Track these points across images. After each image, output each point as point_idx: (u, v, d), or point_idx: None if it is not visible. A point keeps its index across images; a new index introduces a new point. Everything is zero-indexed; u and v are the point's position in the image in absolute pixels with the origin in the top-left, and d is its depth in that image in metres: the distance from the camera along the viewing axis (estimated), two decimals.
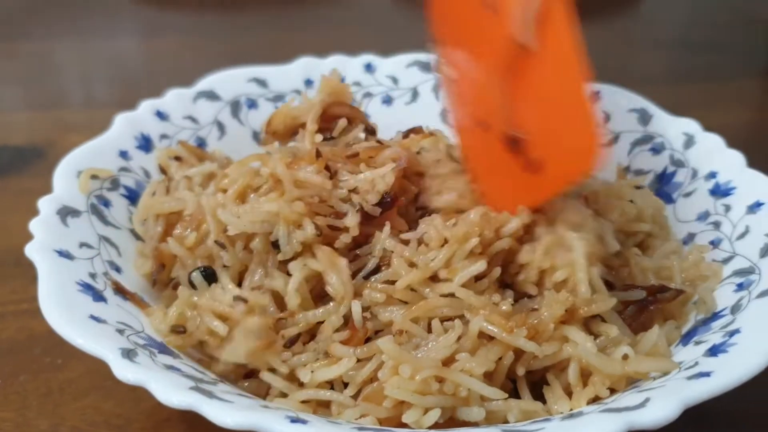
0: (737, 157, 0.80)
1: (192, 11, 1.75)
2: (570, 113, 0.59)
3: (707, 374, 0.54)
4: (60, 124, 1.20)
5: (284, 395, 0.61)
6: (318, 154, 0.66)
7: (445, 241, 0.61)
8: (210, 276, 0.65)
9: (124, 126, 0.83)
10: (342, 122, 0.77)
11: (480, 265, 0.60)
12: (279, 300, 0.63)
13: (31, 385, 0.70)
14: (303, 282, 0.62)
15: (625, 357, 0.58)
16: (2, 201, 1.00)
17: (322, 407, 0.60)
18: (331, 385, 0.61)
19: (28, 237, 0.67)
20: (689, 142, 0.85)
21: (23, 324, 0.77)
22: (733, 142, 0.83)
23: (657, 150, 0.87)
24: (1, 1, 1.72)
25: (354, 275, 0.63)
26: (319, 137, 0.74)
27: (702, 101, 1.30)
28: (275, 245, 0.63)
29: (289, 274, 0.63)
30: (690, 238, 0.77)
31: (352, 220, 0.63)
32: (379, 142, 0.72)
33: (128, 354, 0.55)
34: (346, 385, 0.60)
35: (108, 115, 0.88)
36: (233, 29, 1.66)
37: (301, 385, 0.61)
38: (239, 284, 0.65)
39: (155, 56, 1.56)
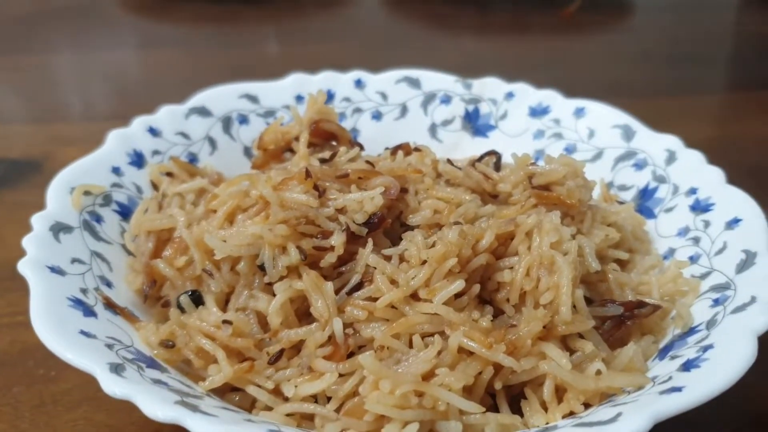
0: (717, 174, 0.81)
1: (188, 24, 1.77)
2: None
3: (679, 389, 0.55)
4: (56, 138, 1.21)
5: (269, 408, 0.62)
6: (308, 174, 0.67)
7: (425, 262, 0.62)
8: (197, 299, 0.67)
9: (117, 142, 0.85)
10: (342, 150, 0.78)
11: (458, 284, 0.61)
12: (264, 319, 0.65)
13: (24, 397, 0.71)
14: (287, 302, 0.64)
15: (599, 373, 0.60)
16: None
17: (306, 420, 0.62)
18: (315, 398, 0.62)
19: (23, 249, 0.68)
20: (671, 158, 0.86)
21: (17, 336, 0.79)
22: (717, 154, 0.85)
23: (640, 166, 0.88)
24: (3, 16, 1.74)
25: (337, 291, 0.64)
26: (315, 161, 0.76)
27: (688, 114, 1.32)
28: (262, 268, 0.65)
29: (274, 295, 0.64)
30: (670, 252, 0.78)
31: (337, 240, 0.64)
32: (369, 163, 0.74)
33: (116, 369, 0.56)
34: (329, 399, 0.61)
35: (104, 128, 0.90)
36: (229, 41, 1.68)
37: (286, 398, 0.62)
38: (226, 303, 0.67)
39: (151, 69, 1.58)
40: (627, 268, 0.76)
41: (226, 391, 0.64)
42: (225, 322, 0.63)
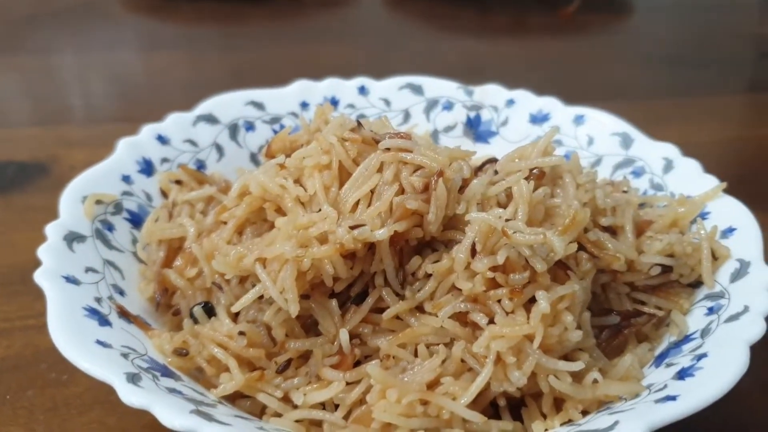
0: (713, 183, 0.83)
1: (190, 23, 1.77)
2: None
3: (673, 398, 0.58)
4: (62, 140, 1.22)
5: (279, 415, 0.64)
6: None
7: (429, 275, 0.64)
8: (210, 310, 0.69)
9: (126, 150, 0.86)
10: None
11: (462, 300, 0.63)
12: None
13: (38, 400, 0.73)
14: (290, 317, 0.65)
15: (596, 382, 0.62)
16: (7, 218, 1.03)
17: (315, 426, 0.64)
18: (323, 405, 0.64)
19: (33, 253, 0.70)
20: (668, 166, 0.88)
21: (29, 340, 0.80)
22: (714, 157, 0.86)
23: (638, 173, 0.90)
24: (4, 14, 1.75)
25: (342, 305, 0.66)
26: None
27: (686, 116, 1.33)
28: None
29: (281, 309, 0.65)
30: None
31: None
32: None
33: (133, 378, 0.58)
34: (337, 406, 0.64)
35: (108, 130, 0.90)
36: (231, 41, 1.69)
37: (296, 405, 0.64)
38: (236, 314, 0.68)
39: (154, 69, 1.59)
40: None
41: (236, 398, 0.66)
42: (240, 333, 0.64)
